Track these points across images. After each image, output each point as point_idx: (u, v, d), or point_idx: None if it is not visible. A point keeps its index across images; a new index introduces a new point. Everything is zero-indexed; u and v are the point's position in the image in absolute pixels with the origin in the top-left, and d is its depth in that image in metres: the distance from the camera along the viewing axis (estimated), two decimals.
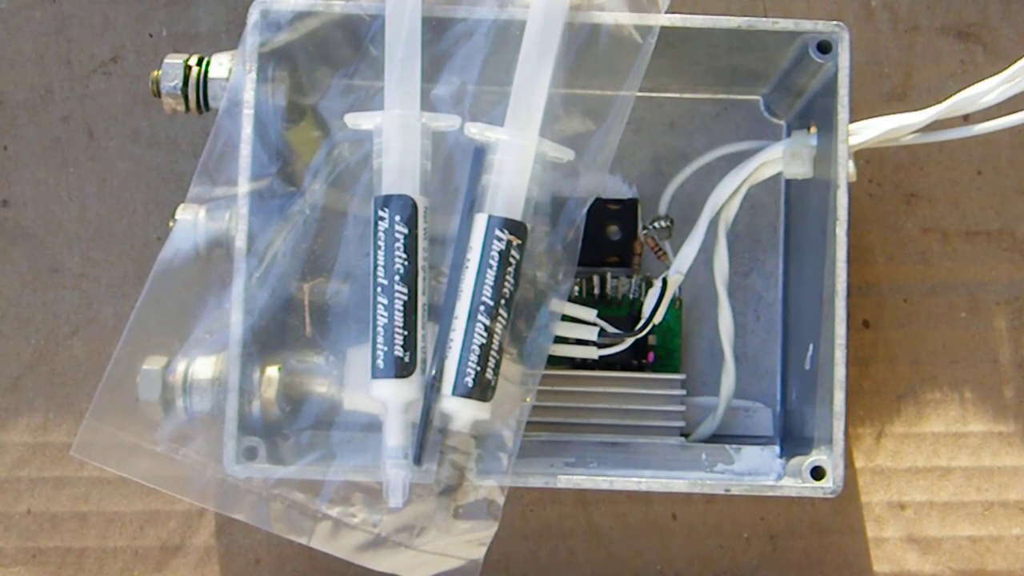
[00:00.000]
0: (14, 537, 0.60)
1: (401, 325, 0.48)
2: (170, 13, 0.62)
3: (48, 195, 0.62)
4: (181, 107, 0.53)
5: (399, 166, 0.49)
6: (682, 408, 0.56)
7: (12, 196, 0.62)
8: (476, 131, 0.49)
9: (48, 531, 0.60)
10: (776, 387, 0.59)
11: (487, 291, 0.49)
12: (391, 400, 0.49)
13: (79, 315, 0.61)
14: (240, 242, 0.50)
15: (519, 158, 0.49)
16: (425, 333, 0.49)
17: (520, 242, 0.49)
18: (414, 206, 0.49)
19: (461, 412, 0.49)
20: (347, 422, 0.52)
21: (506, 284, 0.49)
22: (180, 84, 0.52)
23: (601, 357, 0.55)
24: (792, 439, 0.56)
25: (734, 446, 0.55)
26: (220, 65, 0.52)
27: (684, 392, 0.57)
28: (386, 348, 0.48)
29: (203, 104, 0.53)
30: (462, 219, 0.49)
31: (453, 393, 0.48)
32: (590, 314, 0.55)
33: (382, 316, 0.48)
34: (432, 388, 0.49)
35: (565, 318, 0.54)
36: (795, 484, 0.50)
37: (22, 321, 0.61)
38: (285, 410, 0.52)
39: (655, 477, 0.51)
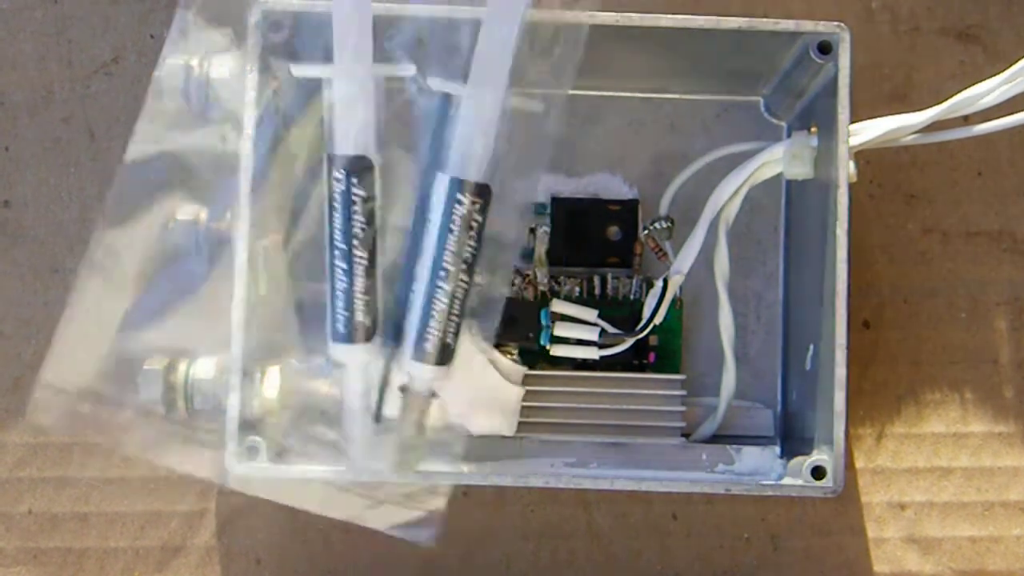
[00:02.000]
0: (15, 537, 0.60)
1: (362, 290, 0.48)
2: (171, 14, 0.62)
3: (49, 196, 0.62)
4: None
5: (354, 123, 0.47)
6: (682, 408, 0.56)
7: (13, 197, 0.62)
8: (438, 85, 0.48)
9: (49, 531, 0.60)
10: (776, 387, 0.59)
11: (448, 256, 0.48)
12: (351, 363, 0.49)
13: None
14: (240, 242, 0.50)
15: (483, 116, 0.47)
16: (385, 295, 0.49)
17: (483, 203, 0.48)
18: (370, 166, 0.48)
19: (421, 375, 0.49)
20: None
21: (467, 248, 0.48)
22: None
23: (602, 357, 0.55)
24: (792, 439, 0.56)
25: (734, 446, 0.55)
26: (221, 66, 0.53)
27: (684, 392, 0.57)
28: (347, 313, 0.48)
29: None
30: (423, 178, 0.49)
31: (413, 357, 0.49)
32: (591, 314, 0.55)
33: (341, 280, 0.48)
34: (391, 351, 0.49)
35: (566, 318, 0.54)
36: (795, 484, 0.50)
37: (22, 321, 0.61)
38: (285, 410, 0.52)
39: (655, 477, 0.51)
